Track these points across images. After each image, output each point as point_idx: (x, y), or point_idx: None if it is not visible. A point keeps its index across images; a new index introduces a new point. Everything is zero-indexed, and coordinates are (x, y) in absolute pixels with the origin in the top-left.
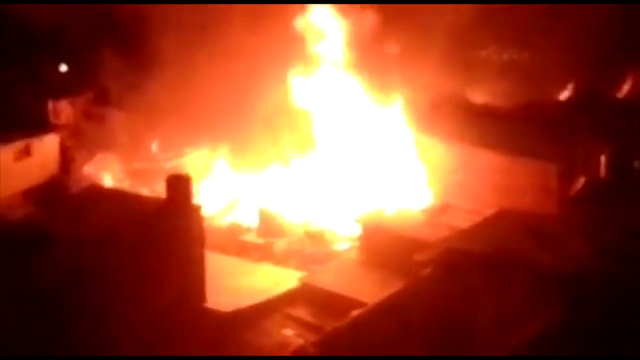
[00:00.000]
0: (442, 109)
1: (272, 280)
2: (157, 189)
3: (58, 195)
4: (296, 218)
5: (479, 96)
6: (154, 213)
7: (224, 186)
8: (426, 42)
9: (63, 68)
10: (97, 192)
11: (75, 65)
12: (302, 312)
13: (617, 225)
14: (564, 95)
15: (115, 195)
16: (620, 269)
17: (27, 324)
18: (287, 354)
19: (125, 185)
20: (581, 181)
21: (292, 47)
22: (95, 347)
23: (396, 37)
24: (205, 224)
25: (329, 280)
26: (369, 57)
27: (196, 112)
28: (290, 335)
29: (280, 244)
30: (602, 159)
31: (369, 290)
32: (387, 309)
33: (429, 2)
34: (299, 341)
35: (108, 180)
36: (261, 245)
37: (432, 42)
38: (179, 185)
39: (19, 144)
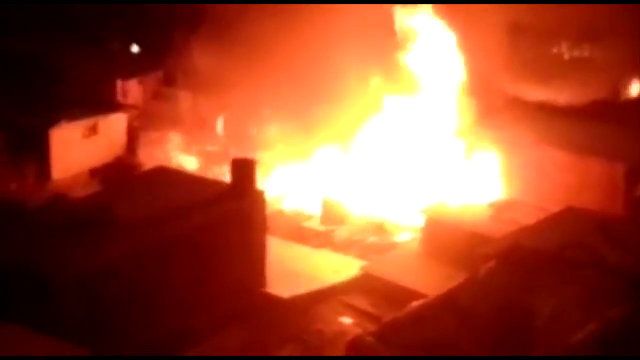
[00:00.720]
0: (512, 106)
1: (332, 267)
2: (222, 172)
3: (124, 175)
4: (359, 207)
5: (548, 93)
6: (217, 196)
7: (288, 172)
8: (497, 39)
9: (134, 49)
10: (162, 173)
11: (146, 46)
12: (361, 301)
13: None
14: (635, 93)
15: (180, 177)
16: None
17: (88, 305)
18: (344, 342)
19: (191, 166)
20: None
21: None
22: (154, 330)
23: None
24: (268, 209)
25: (389, 270)
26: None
27: (264, 94)
28: (348, 324)
29: (341, 233)
30: None
31: (430, 282)
32: (447, 301)
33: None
34: (357, 330)
35: (174, 162)
36: (322, 233)
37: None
38: (243, 169)
39: (86, 122)
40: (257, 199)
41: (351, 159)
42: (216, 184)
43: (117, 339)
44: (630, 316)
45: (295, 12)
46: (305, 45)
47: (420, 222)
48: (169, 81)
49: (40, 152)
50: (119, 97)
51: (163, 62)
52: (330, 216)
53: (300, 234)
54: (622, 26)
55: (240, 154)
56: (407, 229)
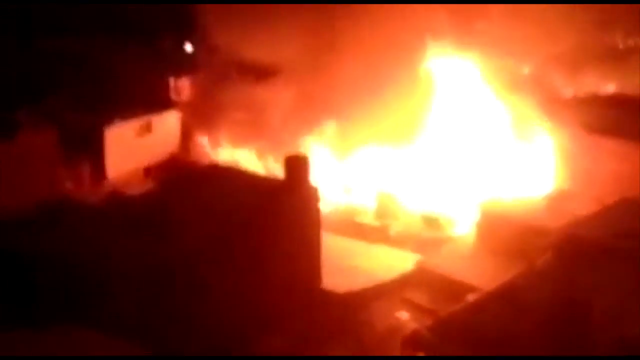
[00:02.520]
0: (565, 97)
1: (387, 262)
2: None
3: (178, 173)
4: (413, 202)
5: (604, 83)
6: (271, 193)
7: (341, 166)
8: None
9: (188, 48)
10: (215, 171)
11: (200, 44)
12: (417, 296)
13: None
14: None
15: (234, 174)
16: None
17: (144, 301)
18: (401, 337)
19: (245, 164)
20: None
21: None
22: (212, 326)
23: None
24: (322, 204)
25: (445, 264)
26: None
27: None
28: (404, 319)
29: (396, 227)
30: None
31: (486, 276)
32: (503, 295)
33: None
34: (414, 324)
35: (227, 159)
36: (377, 228)
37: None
38: (296, 165)
39: (140, 120)
40: (310, 194)
41: (405, 152)
42: (270, 180)
43: (180, 337)
44: None
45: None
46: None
47: (475, 215)
48: (222, 79)
49: (95, 151)
50: (172, 95)
51: (216, 60)
52: (384, 211)
53: (355, 229)
54: None
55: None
56: (462, 223)
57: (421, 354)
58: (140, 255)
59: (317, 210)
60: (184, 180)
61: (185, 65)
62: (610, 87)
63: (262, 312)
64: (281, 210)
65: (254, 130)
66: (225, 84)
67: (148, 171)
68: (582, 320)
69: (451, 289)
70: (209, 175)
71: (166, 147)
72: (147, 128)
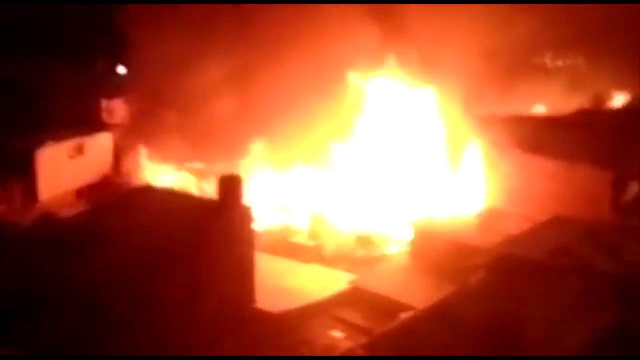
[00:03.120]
0: (496, 116)
1: (321, 281)
2: (209, 189)
3: (110, 194)
4: (346, 221)
5: (533, 103)
6: (204, 213)
7: (274, 186)
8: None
9: (120, 70)
10: (149, 192)
11: (131, 66)
12: (351, 315)
13: None
14: (619, 102)
15: (167, 195)
16: None
17: (75, 323)
18: (336, 355)
19: (179, 184)
20: (635, 188)
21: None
22: (143, 347)
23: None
24: (256, 224)
25: (378, 283)
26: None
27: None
28: (339, 337)
29: (330, 247)
30: None
31: (419, 294)
32: (436, 313)
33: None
34: (348, 343)
35: (160, 180)
36: (311, 248)
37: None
38: (229, 185)
39: (72, 143)
40: (244, 214)
41: (336, 172)
42: (203, 200)
43: (109, 356)
44: (622, 324)
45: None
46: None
47: (408, 234)
48: (154, 101)
49: (26, 173)
50: (105, 117)
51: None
52: (318, 231)
53: (289, 248)
54: (606, 36)
55: (227, 171)
56: (395, 241)
57: None
58: (72, 278)
59: (251, 231)
60: (116, 202)
61: (117, 87)
62: (539, 107)
63: (198, 333)
64: (214, 230)
65: (188, 150)
66: (157, 106)
67: (80, 193)
68: (516, 338)
69: (385, 307)
70: (141, 196)
71: (98, 168)
72: (79, 150)
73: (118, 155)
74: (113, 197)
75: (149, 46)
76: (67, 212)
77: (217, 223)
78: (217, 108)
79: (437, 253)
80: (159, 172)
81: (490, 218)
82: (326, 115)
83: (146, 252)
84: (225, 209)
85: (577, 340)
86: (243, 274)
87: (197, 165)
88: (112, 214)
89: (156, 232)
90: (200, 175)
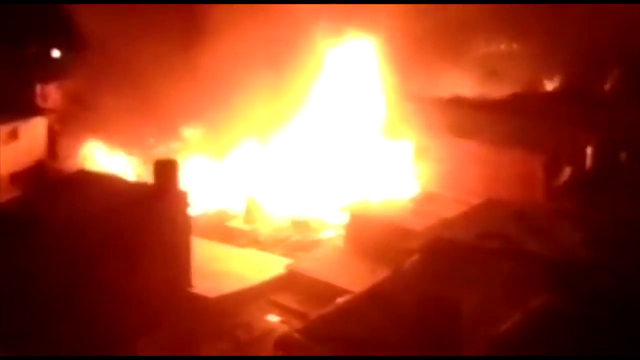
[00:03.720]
0: (430, 101)
1: (257, 266)
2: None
3: (45, 179)
4: (282, 206)
5: (467, 87)
6: (140, 198)
7: (209, 171)
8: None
9: (55, 53)
10: (84, 177)
11: (67, 50)
12: (287, 299)
13: (603, 214)
14: (552, 87)
15: (102, 179)
16: (607, 256)
17: (12, 308)
18: (272, 340)
19: (114, 169)
20: (568, 171)
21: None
22: (80, 331)
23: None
24: (191, 209)
25: (314, 267)
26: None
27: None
28: (275, 322)
29: (266, 231)
30: (589, 150)
31: (355, 278)
32: (372, 296)
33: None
34: (284, 328)
35: (95, 165)
36: (247, 232)
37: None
38: (165, 170)
39: (6, 127)
40: (179, 199)
41: (272, 156)
42: (138, 185)
43: (47, 342)
44: (552, 305)
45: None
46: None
47: (344, 218)
48: (88, 85)
49: None
50: (39, 102)
51: (83, 67)
52: (253, 215)
53: (225, 233)
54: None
55: (162, 155)
56: (330, 226)
57: (293, 355)
58: (6, 262)
59: (187, 215)
60: (51, 186)
61: (52, 71)
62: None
63: (134, 316)
64: (150, 215)
65: (123, 135)
66: (94, 89)
67: (14, 178)
68: (450, 319)
69: (321, 291)
70: (76, 181)
71: (33, 153)
72: (13, 135)
73: (53, 140)
74: (47, 182)
75: (87, 28)
76: (1, 198)
77: (152, 207)
78: (153, 92)
79: (372, 237)
80: (94, 156)
81: (424, 201)
82: (262, 97)
83: (81, 237)
84: (161, 194)
85: (509, 322)
86: (179, 258)
87: (134, 149)
88: (46, 199)
89: (91, 217)
90: (137, 159)
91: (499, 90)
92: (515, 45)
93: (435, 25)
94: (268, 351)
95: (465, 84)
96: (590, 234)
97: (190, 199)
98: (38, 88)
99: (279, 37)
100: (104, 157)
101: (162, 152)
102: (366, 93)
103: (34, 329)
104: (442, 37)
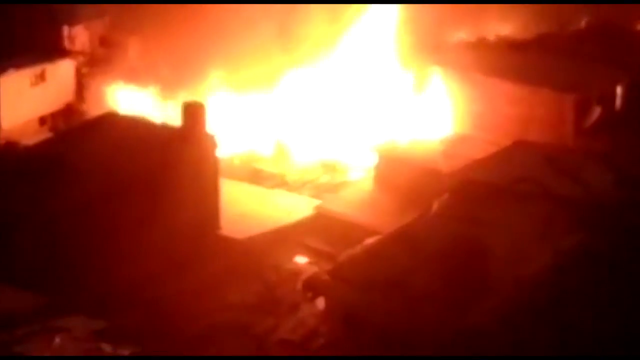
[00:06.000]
0: (460, 42)
1: (286, 207)
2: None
3: (73, 121)
4: (310, 148)
5: (495, 28)
6: (167, 140)
7: (237, 112)
8: None
9: None
10: (112, 119)
11: None
12: (315, 240)
13: (633, 155)
14: (581, 26)
15: (130, 122)
16: (637, 196)
17: (45, 249)
18: (300, 281)
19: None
20: (597, 111)
21: None
22: (111, 274)
23: None
24: (219, 151)
25: (343, 208)
26: None
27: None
28: (303, 263)
29: (294, 173)
30: (619, 89)
31: (384, 219)
32: (400, 237)
33: None
34: (313, 268)
35: (123, 108)
36: (275, 174)
37: None
38: (193, 113)
39: (34, 70)
40: (207, 142)
41: (300, 98)
42: (166, 128)
43: (75, 283)
44: (581, 246)
45: None
46: None
47: (372, 159)
48: (116, 27)
49: None
50: (66, 44)
51: (109, 8)
52: (282, 157)
53: (253, 175)
54: None
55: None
56: (359, 167)
57: (321, 296)
58: (36, 206)
59: (215, 158)
60: (79, 129)
61: (78, 13)
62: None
63: (162, 259)
64: (177, 158)
65: (151, 76)
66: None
67: (43, 120)
68: (479, 260)
69: (349, 232)
70: (104, 124)
71: (61, 96)
72: (42, 77)
73: (80, 83)
74: (76, 125)
75: None
76: (30, 141)
77: (180, 150)
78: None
79: (401, 178)
80: (122, 99)
81: (454, 143)
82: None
83: (110, 180)
84: (189, 137)
85: (539, 263)
86: (207, 201)
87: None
88: (75, 142)
89: (120, 160)
90: (164, 99)
91: (528, 30)
92: None
93: None
94: (296, 291)
95: (503, 24)
96: (620, 175)
97: (218, 141)
98: (66, 30)
99: None
100: (132, 99)
101: (189, 93)
102: (393, 30)
103: (62, 272)
104: None
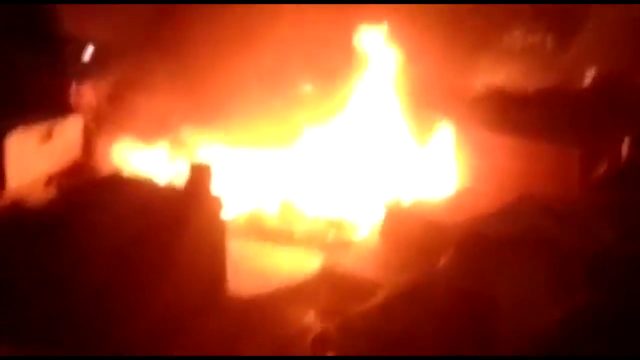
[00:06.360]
0: (463, 95)
1: (293, 264)
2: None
3: (79, 180)
4: (316, 206)
5: (500, 81)
6: (173, 203)
7: (242, 171)
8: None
9: (89, 51)
10: (118, 179)
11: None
12: (323, 296)
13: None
14: (587, 80)
15: (136, 183)
16: None
17: (50, 309)
18: (309, 339)
19: (147, 171)
20: (603, 166)
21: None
22: (110, 336)
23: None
24: (225, 212)
25: (351, 265)
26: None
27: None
28: (311, 320)
29: (301, 231)
30: (625, 144)
31: (391, 275)
32: (408, 292)
33: None
34: (322, 324)
35: (130, 165)
36: (282, 231)
37: (456, 26)
38: (199, 175)
39: (42, 127)
40: (213, 204)
41: (304, 155)
42: (171, 190)
43: (79, 343)
44: (593, 304)
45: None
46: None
47: (380, 216)
48: (124, 84)
49: None
50: (74, 100)
51: (118, 65)
52: (288, 215)
53: (260, 232)
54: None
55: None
56: (366, 224)
57: (330, 354)
58: (42, 266)
59: (221, 220)
60: (86, 189)
61: (86, 71)
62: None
63: (171, 318)
64: (183, 219)
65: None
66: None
67: (50, 179)
68: (487, 315)
69: (357, 289)
70: (111, 184)
71: (68, 154)
72: (49, 134)
73: (88, 140)
74: (83, 185)
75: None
76: (36, 200)
77: (186, 212)
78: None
79: (408, 233)
80: (129, 154)
81: (460, 198)
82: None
83: (116, 241)
84: (194, 200)
85: (549, 317)
86: (214, 263)
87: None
88: (79, 202)
89: (126, 222)
90: (172, 156)
91: (534, 84)
92: (550, 36)
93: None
94: (305, 349)
95: (503, 79)
96: (627, 229)
97: (223, 202)
98: (73, 87)
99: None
100: (141, 156)
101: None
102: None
103: (66, 331)
104: (480, 32)
